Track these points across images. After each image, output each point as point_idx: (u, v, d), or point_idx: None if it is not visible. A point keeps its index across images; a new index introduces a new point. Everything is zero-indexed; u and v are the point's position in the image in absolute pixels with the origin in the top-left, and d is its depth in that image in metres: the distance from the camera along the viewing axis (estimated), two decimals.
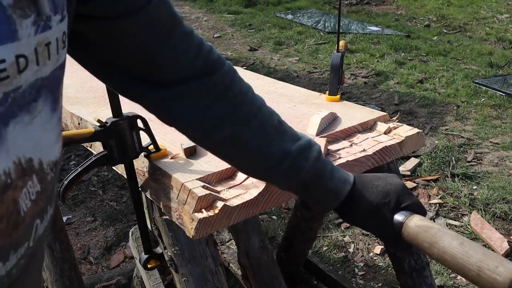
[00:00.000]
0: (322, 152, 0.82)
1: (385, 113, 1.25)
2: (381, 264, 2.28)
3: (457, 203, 2.70)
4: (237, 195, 0.94)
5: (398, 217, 0.77)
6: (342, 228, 2.55)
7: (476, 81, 4.45)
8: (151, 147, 1.03)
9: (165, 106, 0.75)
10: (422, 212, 0.78)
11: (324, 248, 2.39)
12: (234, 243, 1.72)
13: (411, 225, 0.75)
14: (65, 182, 0.94)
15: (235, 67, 0.81)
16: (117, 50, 0.67)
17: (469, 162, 3.14)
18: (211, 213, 0.87)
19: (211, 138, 0.77)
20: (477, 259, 0.66)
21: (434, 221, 2.54)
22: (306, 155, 0.78)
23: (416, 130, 1.19)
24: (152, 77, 0.71)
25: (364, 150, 1.11)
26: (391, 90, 4.42)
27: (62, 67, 0.53)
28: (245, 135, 0.76)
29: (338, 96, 1.37)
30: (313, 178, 0.79)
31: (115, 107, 0.95)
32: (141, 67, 0.70)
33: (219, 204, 0.89)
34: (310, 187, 0.79)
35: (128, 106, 0.92)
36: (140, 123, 0.98)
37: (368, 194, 0.79)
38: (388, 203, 0.78)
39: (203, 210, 0.88)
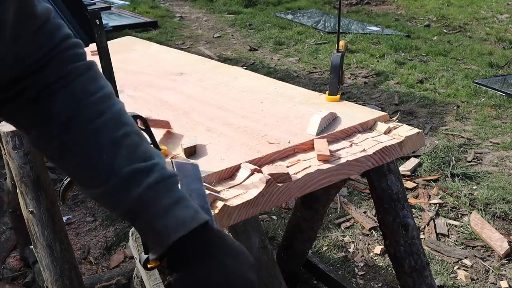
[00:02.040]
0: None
1: (385, 113, 1.25)
2: (381, 264, 2.27)
3: (457, 203, 2.70)
4: (237, 195, 0.94)
5: None
6: (342, 228, 2.55)
7: (476, 81, 4.45)
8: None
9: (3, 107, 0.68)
10: None
11: (324, 248, 2.39)
12: None
13: None
14: (65, 182, 0.94)
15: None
16: None
17: (469, 162, 3.14)
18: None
19: (39, 137, 0.69)
20: None
21: (434, 222, 2.54)
22: (139, 179, 0.65)
23: (416, 130, 1.19)
24: None
25: (364, 150, 1.11)
26: (391, 90, 4.42)
27: None
28: (73, 139, 0.66)
29: (338, 96, 1.37)
30: (141, 211, 0.65)
31: None
32: None
33: (219, 204, 0.89)
34: (137, 221, 0.66)
35: (128, 106, 0.92)
36: (140, 123, 0.98)
37: (207, 265, 0.63)
38: None
39: None
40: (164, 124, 1.19)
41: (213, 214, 0.88)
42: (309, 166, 1.03)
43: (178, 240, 0.63)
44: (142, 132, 0.75)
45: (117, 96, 1.07)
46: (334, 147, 1.12)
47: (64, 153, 0.68)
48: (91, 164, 0.66)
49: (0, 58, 0.61)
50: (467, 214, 2.60)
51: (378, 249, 2.35)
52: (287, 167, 1.03)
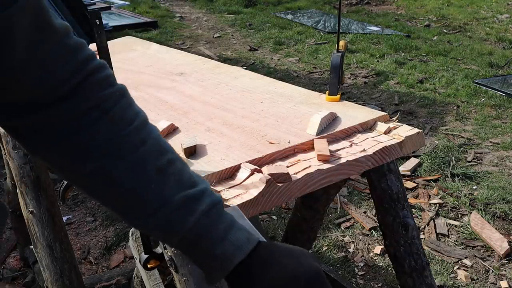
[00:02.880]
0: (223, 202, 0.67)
1: (385, 113, 1.25)
2: (381, 264, 2.28)
3: (457, 203, 2.70)
4: (237, 195, 0.94)
5: None
6: (342, 228, 2.55)
7: (476, 81, 4.45)
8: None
9: (25, 132, 0.63)
10: None
11: (324, 248, 2.39)
12: None
13: None
14: (65, 182, 0.94)
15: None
16: None
17: (469, 162, 3.14)
18: None
19: (75, 171, 0.64)
20: None
21: (434, 221, 2.54)
22: (192, 207, 0.63)
23: (416, 130, 1.19)
24: (13, 97, 0.59)
25: (364, 150, 1.11)
26: (391, 90, 4.42)
27: None
28: (116, 172, 0.63)
29: (338, 96, 1.37)
30: (197, 238, 0.63)
31: None
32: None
33: None
34: (194, 249, 0.64)
35: None
36: None
37: (268, 273, 0.63)
38: None
39: None
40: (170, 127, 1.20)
41: None
42: (309, 166, 1.03)
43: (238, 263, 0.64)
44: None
45: None
46: (334, 147, 1.12)
47: (108, 186, 0.64)
48: (139, 195, 0.63)
49: (20, 66, 0.57)
50: (467, 214, 2.60)
51: (378, 249, 2.35)
52: (287, 167, 1.03)
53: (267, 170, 0.99)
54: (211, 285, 0.67)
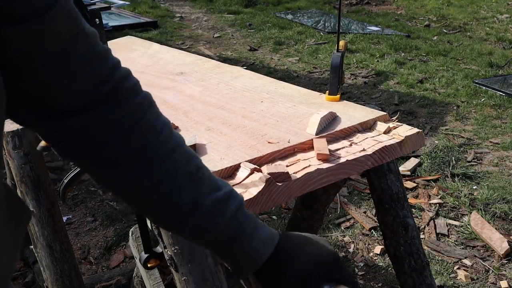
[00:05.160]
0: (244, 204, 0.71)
1: (385, 113, 1.25)
2: (381, 264, 2.28)
3: (457, 203, 2.70)
4: None
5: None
6: (342, 228, 2.55)
7: (476, 81, 4.45)
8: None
9: (57, 137, 0.63)
10: (352, 285, 0.69)
11: None
12: None
13: None
14: (65, 181, 0.94)
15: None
16: None
17: (469, 162, 3.14)
18: None
19: (108, 178, 0.66)
20: None
21: (434, 221, 2.54)
22: (222, 209, 0.67)
23: (416, 130, 1.19)
24: (44, 101, 0.59)
25: (363, 150, 1.11)
26: (391, 90, 4.42)
27: None
28: (149, 180, 0.65)
29: (338, 96, 1.37)
30: (229, 238, 0.67)
31: None
32: (30, 89, 0.58)
33: None
34: (225, 248, 0.68)
35: None
36: None
37: (295, 262, 0.68)
38: (318, 274, 0.68)
39: None
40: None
41: None
42: (309, 166, 1.04)
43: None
44: None
45: None
46: (333, 146, 1.12)
47: (140, 194, 0.66)
48: (172, 201, 0.66)
49: (53, 71, 0.57)
50: (467, 214, 2.60)
51: (378, 249, 2.35)
52: (287, 166, 1.03)
53: (266, 169, 0.99)
54: (238, 279, 0.72)
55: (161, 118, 0.68)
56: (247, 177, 0.98)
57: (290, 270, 0.68)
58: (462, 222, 2.55)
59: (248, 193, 0.94)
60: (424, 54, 5.32)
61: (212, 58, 4.05)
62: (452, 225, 2.53)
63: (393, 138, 1.16)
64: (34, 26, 0.52)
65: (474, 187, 2.85)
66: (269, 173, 0.96)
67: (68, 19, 0.56)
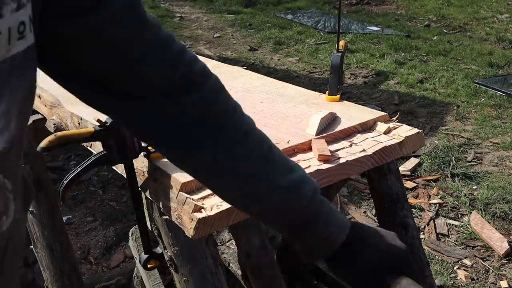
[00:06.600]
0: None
1: (385, 113, 1.25)
2: None
3: (457, 203, 2.70)
4: None
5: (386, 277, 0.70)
6: None
7: (476, 81, 4.45)
8: (150, 147, 1.02)
9: (133, 121, 0.65)
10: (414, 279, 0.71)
11: None
12: (234, 243, 1.72)
13: None
14: (65, 182, 0.94)
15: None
16: (73, 53, 0.57)
17: (469, 162, 3.14)
18: (210, 213, 0.87)
19: (186, 162, 0.67)
20: None
21: (434, 221, 2.54)
22: (298, 192, 0.67)
23: (416, 130, 1.19)
24: (117, 87, 0.62)
25: (363, 150, 1.10)
26: (391, 90, 4.42)
27: (14, 59, 0.46)
28: (226, 164, 0.65)
29: (338, 96, 1.37)
30: (305, 222, 0.68)
31: None
32: (103, 75, 0.60)
33: (219, 204, 0.89)
34: (300, 232, 0.69)
35: None
36: None
37: (368, 251, 0.69)
38: (387, 266, 0.69)
39: (203, 210, 0.88)
40: None
41: (212, 214, 0.88)
42: (309, 166, 1.03)
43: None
44: None
45: None
46: (333, 147, 1.12)
47: (217, 177, 0.67)
48: (249, 184, 0.66)
49: (123, 60, 0.60)
50: (467, 214, 2.60)
51: None
52: None
53: None
54: (309, 262, 0.72)
55: (232, 100, 0.69)
56: None
57: (361, 258, 0.69)
58: (462, 222, 2.55)
59: None
60: (424, 54, 5.32)
61: (212, 58, 4.05)
62: (452, 225, 2.53)
63: (393, 138, 1.16)
64: (101, 17, 0.54)
65: (474, 187, 2.85)
66: None
67: (133, 8, 0.58)
